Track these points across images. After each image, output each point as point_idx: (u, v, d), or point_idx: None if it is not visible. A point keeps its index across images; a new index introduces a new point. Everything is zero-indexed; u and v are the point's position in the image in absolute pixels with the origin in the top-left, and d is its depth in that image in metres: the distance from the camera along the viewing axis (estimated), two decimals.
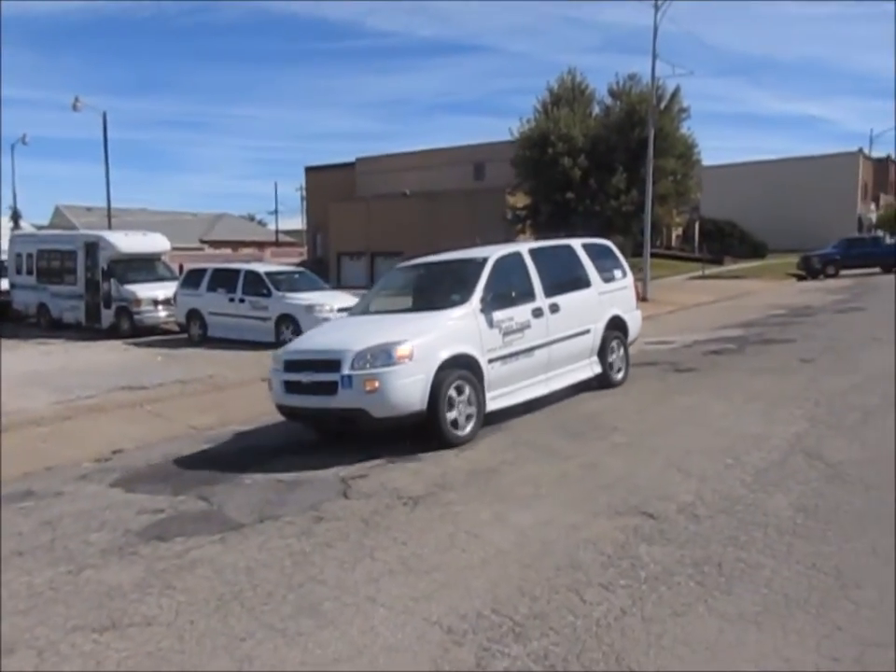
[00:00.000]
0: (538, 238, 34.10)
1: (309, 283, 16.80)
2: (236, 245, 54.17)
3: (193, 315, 16.73)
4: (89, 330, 18.78)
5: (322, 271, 38.13)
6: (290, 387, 7.43)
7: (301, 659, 3.46)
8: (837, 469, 5.76)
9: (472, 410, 7.38)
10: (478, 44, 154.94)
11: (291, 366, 7.53)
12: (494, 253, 8.56)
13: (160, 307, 18.01)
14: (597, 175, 29.74)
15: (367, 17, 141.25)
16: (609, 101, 32.76)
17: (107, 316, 18.43)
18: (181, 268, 20.12)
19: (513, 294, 8.13)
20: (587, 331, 9.16)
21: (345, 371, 6.91)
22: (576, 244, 9.90)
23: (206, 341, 16.28)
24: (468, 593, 4.00)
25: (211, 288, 16.53)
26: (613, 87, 32.44)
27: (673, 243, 47.49)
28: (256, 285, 15.83)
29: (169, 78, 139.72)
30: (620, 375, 9.80)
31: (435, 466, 6.53)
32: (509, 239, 34.90)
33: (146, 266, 19.24)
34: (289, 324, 15.00)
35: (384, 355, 6.93)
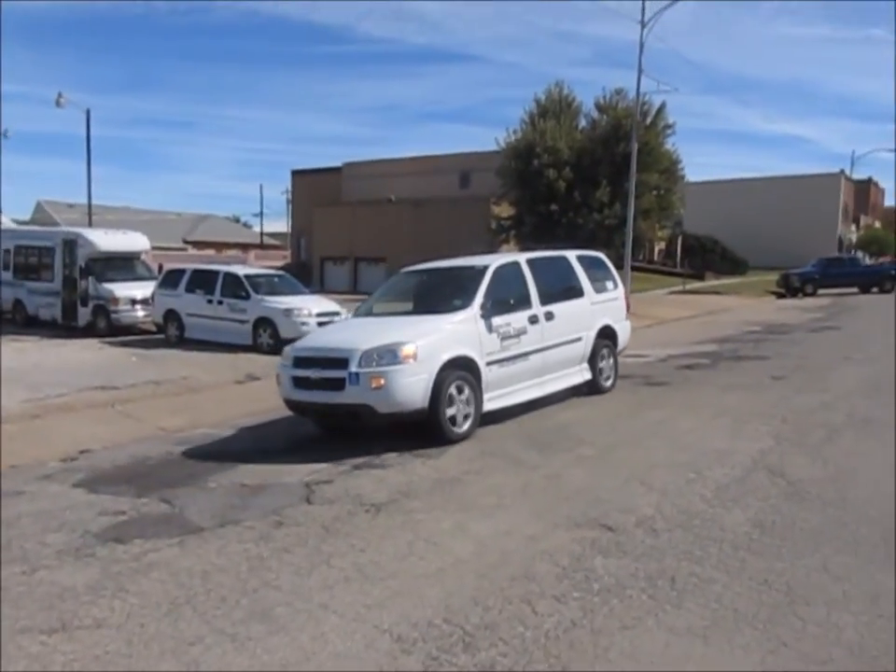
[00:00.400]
0: (521, 249, 34.28)
1: (288, 286, 16.75)
2: (220, 246, 54.01)
3: (171, 315, 16.61)
4: (65, 328, 18.60)
5: (305, 275, 38.08)
6: (299, 383, 7.78)
7: (249, 664, 3.45)
8: (797, 486, 5.83)
9: (470, 409, 7.77)
10: (468, 53, 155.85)
11: (300, 362, 7.85)
12: (494, 262, 8.98)
13: (137, 307, 17.86)
14: (582, 187, 29.90)
15: (359, 22, 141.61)
16: (595, 114, 32.95)
17: (84, 315, 18.27)
18: (160, 268, 19.98)
19: (511, 301, 8.56)
20: (579, 339, 9.56)
21: (353, 368, 7.28)
22: (571, 255, 10.26)
23: (183, 342, 16.17)
24: (421, 601, 4.00)
25: (189, 289, 16.43)
26: (600, 101, 32.64)
27: (655, 257, 47.81)
28: (234, 287, 15.75)
29: (159, 77, 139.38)
30: (609, 382, 10.19)
31: (401, 473, 6.53)
32: (493, 248, 35.15)
33: (125, 265, 19.09)
34: (267, 327, 14.96)
35: (389, 354, 7.32)
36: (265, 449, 7.74)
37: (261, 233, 65.97)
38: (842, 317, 21.62)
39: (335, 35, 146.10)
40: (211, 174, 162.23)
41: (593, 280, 10.14)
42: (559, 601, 3.95)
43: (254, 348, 14.93)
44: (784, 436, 7.44)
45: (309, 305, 15.22)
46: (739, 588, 4.05)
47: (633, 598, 3.96)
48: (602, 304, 10.16)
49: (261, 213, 68.51)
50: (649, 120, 30.85)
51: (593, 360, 9.82)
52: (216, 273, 16.52)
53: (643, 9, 23.67)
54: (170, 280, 17.07)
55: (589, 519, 5.18)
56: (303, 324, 14.69)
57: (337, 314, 15.40)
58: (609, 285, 10.63)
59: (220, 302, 15.79)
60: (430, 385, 7.38)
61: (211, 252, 47.96)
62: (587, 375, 9.76)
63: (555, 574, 4.29)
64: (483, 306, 8.17)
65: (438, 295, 9.01)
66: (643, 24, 23.49)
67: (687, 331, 18.81)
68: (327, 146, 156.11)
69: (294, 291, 16.46)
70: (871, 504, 5.35)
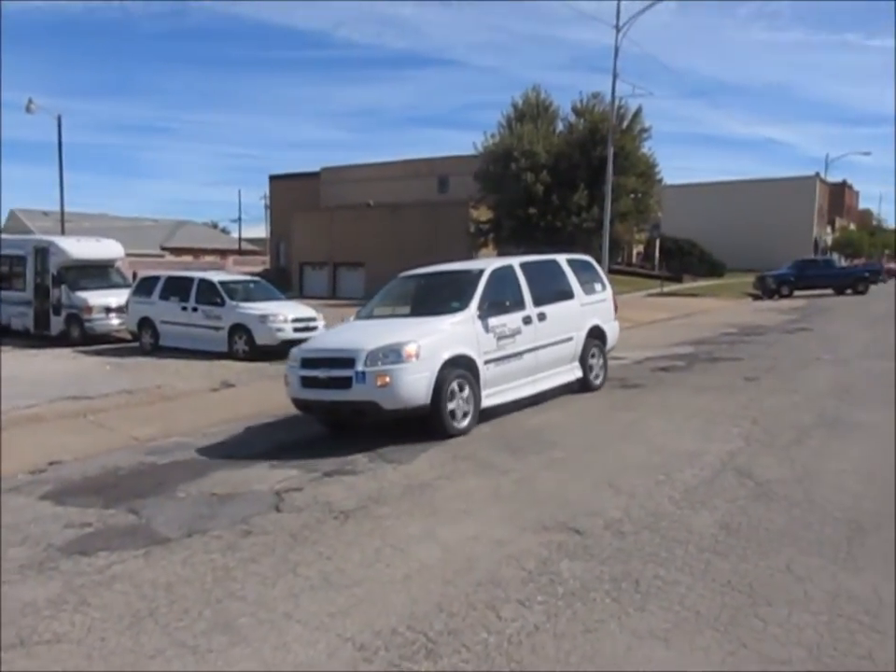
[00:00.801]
0: (500, 252, 34.39)
1: (264, 293, 16.66)
2: (198, 252, 53.70)
3: (145, 323, 16.47)
4: (37, 338, 18.38)
5: (284, 280, 37.95)
6: (307, 382, 8.11)
7: None
8: (765, 487, 5.88)
9: (470, 406, 8.15)
10: (447, 58, 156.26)
11: (308, 363, 8.18)
12: (489, 265, 9.41)
13: (112, 315, 17.69)
14: (560, 191, 30.04)
15: (338, 27, 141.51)
16: (572, 118, 33.17)
17: (57, 324, 18.06)
18: (135, 275, 19.81)
19: (507, 303, 8.93)
20: (570, 339, 9.95)
21: (359, 367, 7.65)
22: (561, 258, 10.71)
23: (158, 350, 16.03)
24: (385, 608, 3.99)
25: (164, 297, 16.31)
26: (577, 105, 32.87)
27: (634, 259, 48.11)
28: (209, 294, 15.64)
29: (135, 82, 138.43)
30: (598, 380, 10.55)
31: (372, 479, 6.51)
32: (471, 252, 35.22)
33: (98, 273, 18.91)
34: (242, 334, 14.86)
35: (394, 353, 7.69)
36: (237, 457, 7.67)
37: (240, 239, 65.65)
38: (815, 319, 21.85)
39: (314, 40, 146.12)
40: (189, 179, 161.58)
41: (582, 282, 10.54)
42: (523, 606, 3.95)
43: (229, 355, 14.83)
44: (754, 437, 7.50)
45: (285, 311, 15.15)
46: (703, 590, 4.07)
47: (597, 602, 3.97)
48: (591, 305, 10.56)
49: (239, 218, 68.40)
50: (625, 124, 31.08)
51: (583, 359, 10.20)
52: (190, 279, 16.39)
53: (618, 13, 23.88)
54: (144, 287, 16.93)
55: (557, 522, 5.19)
56: (279, 330, 14.65)
57: (313, 319, 15.35)
58: (598, 286, 11.05)
59: (195, 309, 15.68)
60: (432, 382, 7.75)
61: (189, 258, 47.67)
62: (578, 374, 10.14)
63: (521, 578, 4.29)
64: (480, 307, 8.57)
65: (437, 297, 9.37)
66: (618, 28, 23.67)
67: (664, 333, 18.91)
68: (305, 151, 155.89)
69: (270, 297, 16.37)
70: (835, 504, 5.40)
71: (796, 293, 32.42)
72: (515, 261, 9.80)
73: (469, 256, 35.24)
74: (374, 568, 4.55)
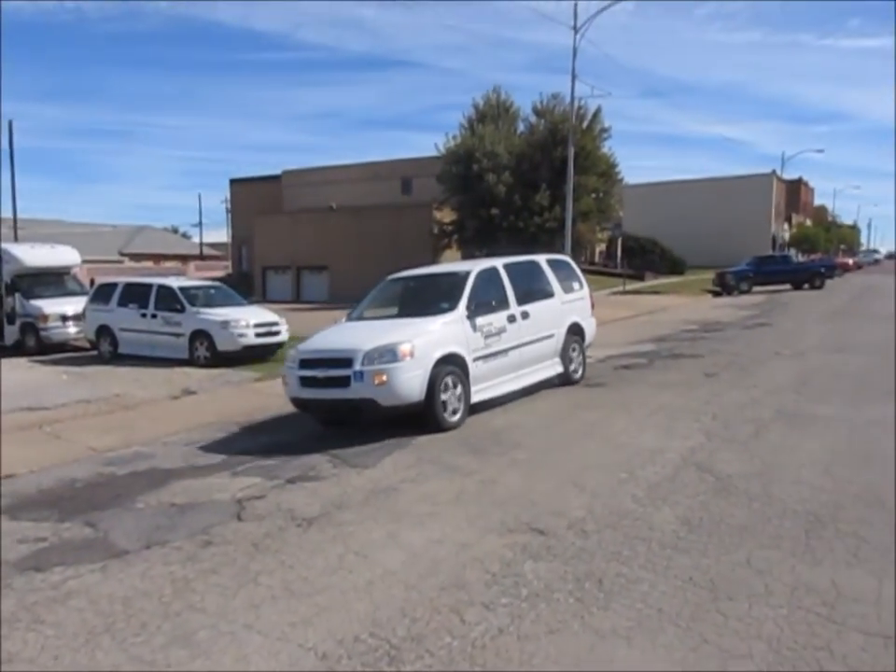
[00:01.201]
0: (464, 253, 34.45)
1: (225, 298, 16.42)
2: (158, 258, 52.95)
3: (103, 331, 16.16)
4: None
5: (247, 285, 37.55)
6: (305, 382, 8.41)
7: None
8: (725, 482, 5.94)
9: (460, 401, 8.53)
10: (408, 60, 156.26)
11: (306, 364, 8.47)
12: (475, 267, 9.78)
13: (69, 323, 17.35)
14: (522, 191, 30.20)
15: (297, 29, 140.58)
16: (533, 119, 33.39)
17: (11, 333, 17.64)
18: (92, 282, 19.42)
19: (492, 303, 9.36)
20: (551, 335, 10.37)
21: (357, 367, 7.99)
22: (541, 259, 11.20)
23: (117, 358, 15.73)
24: (348, 616, 3.94)
25: (122, 303, 16.01)
26: (537, 105, 33.09)
27: (596, 258, 48.49)
28: (169, 300, 15.39)
29: (91, 86, 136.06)
30: (578, 374, 11.02)
31: (335, 485, 6.45)
32: (435, 254, 35.20)
33: (54, 280, 18.51)
34: (204, 340, 14.64)
35: (389, 353, 8.03)
36: (198, 465, 7.55)
37: (201, 244, 64.80)
38: (774, 314, 22.23)
39: (273, 42, 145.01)
40: (147, 184, 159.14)
41: (561, 281, 10.97)
42: (488, 608, 3.94)
43: (190, 362, 14.62)
44: (714, 432, 7.60)
45: (247, 317, 14.96)
46: (665, 587, 4.10)
47: (560, 602, 3.97)
48: (570, 303, 11.00)
49: (200, 223, 67.36)
50: (585, 124, 31.34)
51: (564, 355, 10.64)
52: (149, 286, 16.10)
53: (575, 15, 24.07)
54: (102, 294, 16.60)
55: (521, 523, 5.19)
56: (241, 336, 14.47)
57: (276, 324, 15.20)
58: (576, 285, 11.43)
59: (154, 316, 15.42)
60: (426, 379, 8.13)
61: (149, 264, 47.03)
62: (559, 368, 10.57)
63: (485, 581, 4.28)
64: (468, 308, 8.97)
65: (426, 299, 9.71)
66: (576, 29, 23.85)
67: (627, 331, 19.06)
68: (266, 154, 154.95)
69: (231, 303, 16.16)
70: (794, 498, 5.49)
71: (755, 289, 32.95)
72: (499, 262, 10.13)
73: (434, 257, 35.30)
74: (337, 575, 4.50)
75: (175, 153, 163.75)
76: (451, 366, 8.46)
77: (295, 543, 5.09)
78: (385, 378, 7.93)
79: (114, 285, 16.80)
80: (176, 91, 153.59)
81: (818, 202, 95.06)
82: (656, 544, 4.71)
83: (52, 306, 17.26)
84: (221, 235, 62.17)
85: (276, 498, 6.16)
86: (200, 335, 14.69)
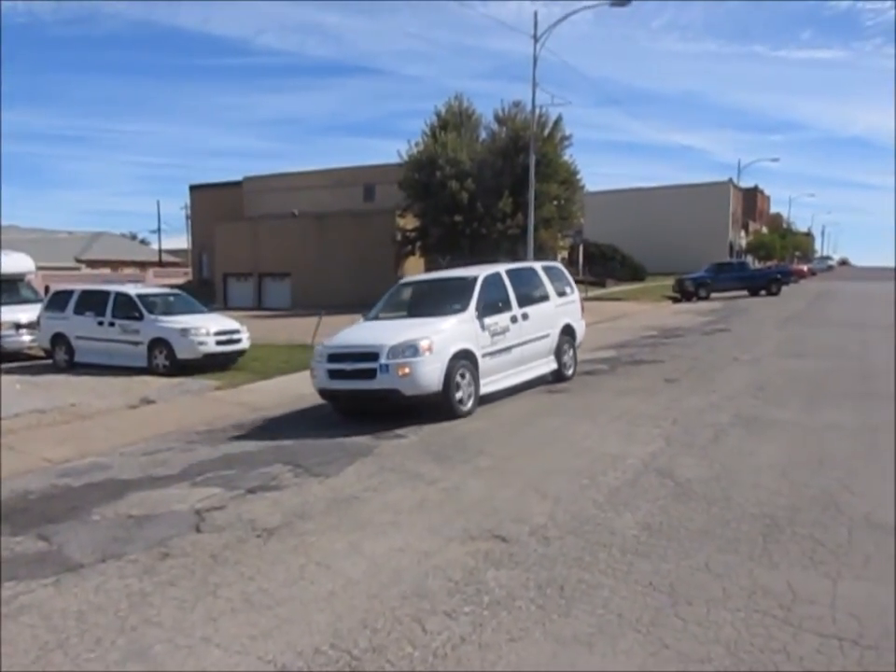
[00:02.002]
0: (427, 260, 34.44)
1: (185, 305, 16.16)
2: (116, 264, 51.99)
3: (59, 339, 15.79)
4: None
5: (208, 292, 37.08)
6: (334, 375, 9.33)
7: None
8: (685, 486, 6.02)
9: (472, 392, 9.46)
10: (371, 66, 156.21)
11: (334, 358, 9.38)
12: (482, 273, 10.72)
13: (22, 331, 16.90)
14: (484, 198, 30.30)
15: (258, 35, 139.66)
16: (495, 127, 33.56)
17: None
18: (47, 289, 18.99)
19: (498, 304, 10.32)
20: (547, 335, 11.32)
21: (383, 360, 8.91)
22: (538, 266, 12.35)
23: (73, 367, 15.39)
24: (309, 628, 3.90)
25: (78, 311, 15.66)
26: (499, 113, 33.27)
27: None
28: (127, 307, 15.08)
29: (47, 90, 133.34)
30: (570, 371, 11.96)
31: (296, 495, 6.38)
32: (398, 261, 35.14)
33: (7, 288, 17.99)
34: (163, 348, 14.37)
35: (411, 348, 8.94)
36: (157, 476, 7.41)
37: (160, 250, 63.80)
38: (732, 320, 22.62)
39: (233, 47, 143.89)
40: (105, 189, 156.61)
41: (555, 286, 11.97)
42: (450, 617, 3.93)
43: (149, 371, 14.36)
44: (674, 437, 7.69)
45: (207, 324, 14.74)
46: (625, 592, 4.13)
47: (522, 609, 3.97)
48: (563, 306, 12.01)
49: (159, 229, 66.22)
50: (546, 132, 31.60)
51: (558, 353, 11.59)
52: (106, 293, 15.77)
53: (535, 24, 24.24)
54: (57, 302, 16.23)
55: (483, 531, 5.19)
56: (201, 343, 14.25)
57: (237, 332, 15.01)
58: (568, 290, 12.44)
59: (112, 324, 15.10)
60: (443, 372, 9.04)
61: (106, 271, 46.09)
62: (553, 366, 11.53)
63: (447, 589, 4.27)
64: (477, 308, 9.91)
65: (438, 300, 10.55)
66: (536, 39, 24.03)
67: (589, 338, 19.11)
68: (227, 159, 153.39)
69: (191, 310, 15.91)
70: (751, 501, 5.57)
71: (713, 295, 33.51)
72: (502, 268, 11.16)
73: (396, 264, 35.26)
74: (298, 587, 4.44)
75: (133, 158, 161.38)
76: (464, 360, 9.37)
77: (255, 554, 5.02)
78: (408, 370, 8.82)
79: (70, 292, 16.44)
80: (135, 96, 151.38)
81: (773, 209, 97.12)
82: (617, 550, 4.74)
83: (5, 314, 16.77)
84: (181, 242, 61.22)
85: (236, 509, 6.07)
86: (159, 343, 14.43)
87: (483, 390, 9.77)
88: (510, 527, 5.22)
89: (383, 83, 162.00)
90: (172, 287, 24.62)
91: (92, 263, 50.82)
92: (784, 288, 35.41)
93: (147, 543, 5.37)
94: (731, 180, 64.15)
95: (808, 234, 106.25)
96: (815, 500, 5.56)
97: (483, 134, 33.93)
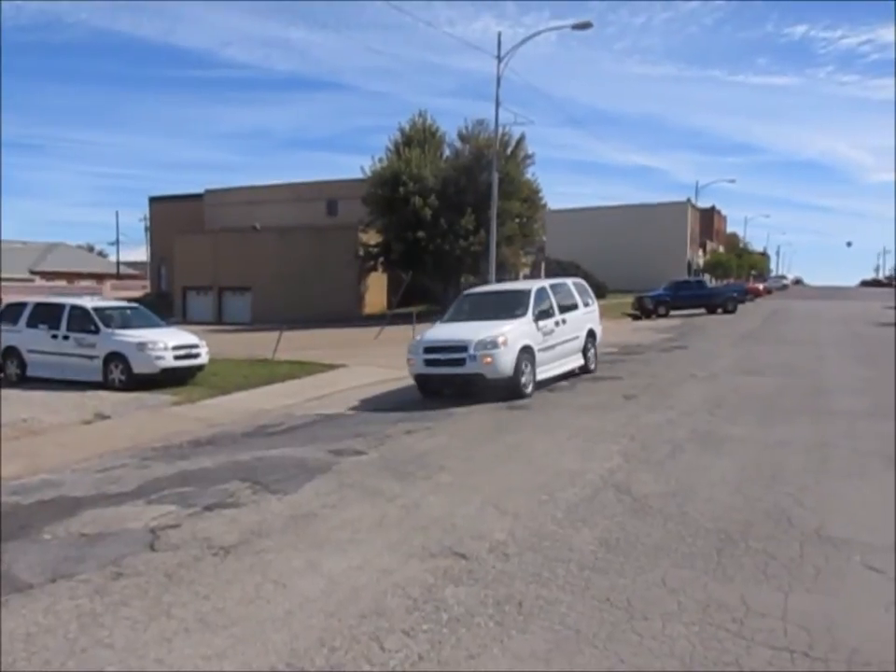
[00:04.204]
0: (390, 277, 34.46)
1: (143, 319, 15.93)
2: (72, 276, 50.99)
3: (10, 352, 15.41)
4: None
5: (166, 305, 36.58)
6: (429, 363, 12.01)
7: None
8: (642, 502, 6.09)
9: (531, 379, 12.08)
10: (336, 81, 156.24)
11: (430, 349, 11.99)
12: (533, 286, 13.73)
13: None
14: (447, 215, 30.49)
15: (223, 47, 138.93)
16: (458, 144, 33.86)
17: None
18: None
19: (547, 311, 13.13)
20: (577, 337, 14.10)
21: (471, 351, 11.52)
22: (569, 281, 15.29)
23: (25, 381, 15.04)
24: (265, 647, 3.85)
25: (31, 324, 15.33)
26: (462, 131, 33.57)
27: None
28: (82, 321, 14.81)
29: (2, 97, 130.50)
30: (593, 366, 14.70)
31: (254, 512, 6.30)
32: (361, 276, 35.06)
33: None
34: (119, 362, 14.12)
35: (492, 343, 11.53)
36: (110, 493, 7.26)
37: (118, 262, 62.77)
38: (690, 337, 22.99)
39: (197, 59, 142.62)
40: (62, 200, 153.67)
41: (581, 298, 14.84)
42: (408, 635, 3.91)
43: (105, 385, 14.09)
44: (632, 454, 7.78)
45: (164, 338, 14.53)
46: (583, 608, 4.15)
47: (480, 626, 3.98)
48: (588, 314, 14.90)
49: (117, 241, 65.27)
50: (509, 151, 31.96)
51: (584, 351, 14.38)
52: (61, 306, 15.46)
53: (499, 44, 24.52)
54: (9, 315, 15.87)
55: (443, 548, 5.18)
56: (159, 358, 14.05)
57: (196, 346, 14.83)
58: (590, 301, 15.36)
59: (66, 337, 14.81)
60: (514, 361, 11.59)
61: (62, 283, 45.20)
62: (581, 362, 14.28)
63: (406, 607, 4.25)
64: (534, 313, 12.62)
65: (500, 307, 13.01)
66: (499, 59, 24.29)
67: None
68: (188, 172, 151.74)
69: (149, 324, 15.69)
70: (707, 516, 5.66)
71: (672, 313, 34.01)
72: (546, 283, 14.21)
73: (359, 279, 35.17)
74: (254, 605, 4.38)
75: (91, 169, 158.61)
76: (527, 353, 11.90)
77: (211, 573, 4.94)
78: (490, 359, 11.39)
79: (23, 304, 16.10)
80: (93, 106, 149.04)
81: (730, 229, 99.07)
82: (575, 565, 4.78)
83: None
84: (140, 254, 60.49)
85: (192, 527, 5.97)
86: (115, 357, 14.19)
87: (539, 377, 12.28)
88: (469, 544, 5.22)
89: (347, 98, 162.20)
90: (129, 300, 24.25)
91: (48, 275, 49.81)
92: (740, 307, 36.10)
93: (99, 562, 5.25)
94: (689, 200, 65.42)
95: (764, 254, 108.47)
96: (768, 515, 5.67)
97: (447, 152, 34.25)
